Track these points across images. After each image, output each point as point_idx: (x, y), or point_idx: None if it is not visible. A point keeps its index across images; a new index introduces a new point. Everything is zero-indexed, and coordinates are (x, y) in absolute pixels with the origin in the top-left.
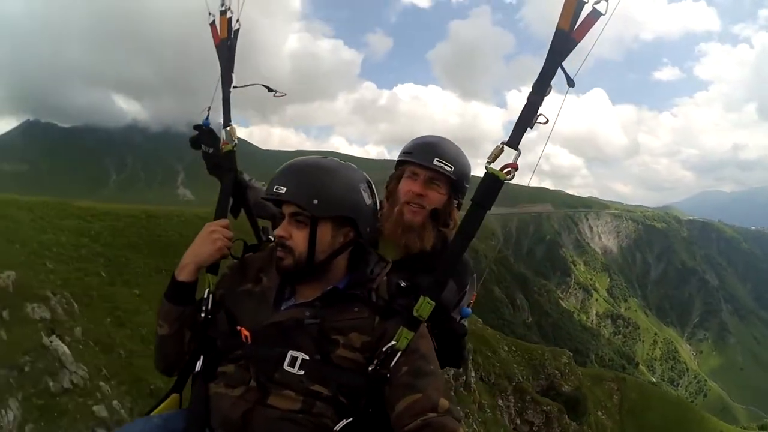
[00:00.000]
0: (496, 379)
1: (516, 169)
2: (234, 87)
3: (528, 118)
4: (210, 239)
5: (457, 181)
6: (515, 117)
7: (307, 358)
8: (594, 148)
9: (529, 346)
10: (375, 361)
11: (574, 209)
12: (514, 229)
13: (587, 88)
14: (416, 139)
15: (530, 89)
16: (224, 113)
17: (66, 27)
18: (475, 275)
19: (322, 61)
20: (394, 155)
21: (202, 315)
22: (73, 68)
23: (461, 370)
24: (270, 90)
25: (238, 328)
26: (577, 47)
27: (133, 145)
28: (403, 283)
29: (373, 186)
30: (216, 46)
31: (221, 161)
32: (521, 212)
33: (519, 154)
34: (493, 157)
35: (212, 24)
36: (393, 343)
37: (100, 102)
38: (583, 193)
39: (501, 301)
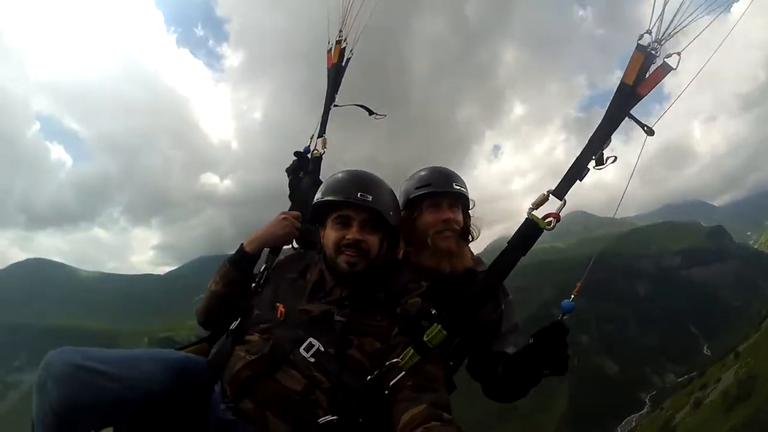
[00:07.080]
0: None
1: (558, 219)
2: (335, 105)
3: (580, 169)
4: (281, 224)
5: (468, 197)
6: None
7: (322, 349)
8: None
9: None
10: (375, 372)
11: None
12: None
13: None
14: (423, 172)
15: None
16: (321, 124)
17: None
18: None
19: None
20: None
21: (254, 285)
22: None
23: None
24: (370, 112)
25: (277, 303)
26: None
27: None
28: (434, 311)
29: None
30: (327, 69)
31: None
32: None
33: (564, 204)
34: (537, 204)
35: (329, 51)
36: (396, 360)
37: None
38: None
39: None
